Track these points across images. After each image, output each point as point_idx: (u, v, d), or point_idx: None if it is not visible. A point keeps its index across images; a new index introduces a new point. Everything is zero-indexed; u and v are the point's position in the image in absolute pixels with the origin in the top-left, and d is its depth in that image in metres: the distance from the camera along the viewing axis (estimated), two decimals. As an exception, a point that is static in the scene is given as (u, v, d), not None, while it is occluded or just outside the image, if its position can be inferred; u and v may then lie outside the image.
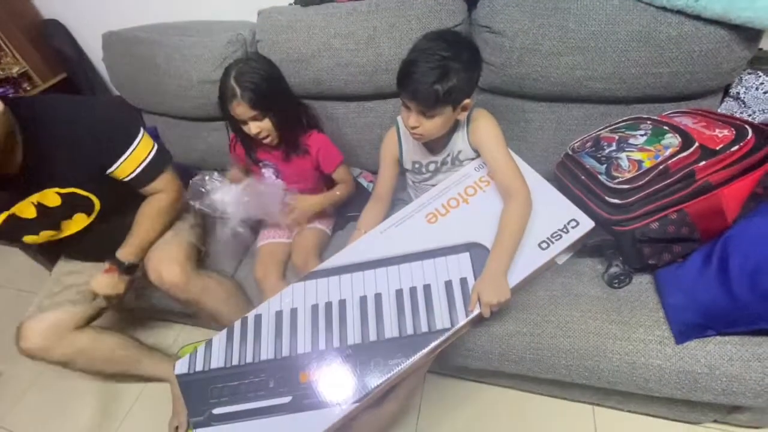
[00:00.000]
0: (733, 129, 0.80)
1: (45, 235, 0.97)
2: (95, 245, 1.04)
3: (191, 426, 0.92)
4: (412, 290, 0.82)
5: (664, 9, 0.90)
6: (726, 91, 1.04)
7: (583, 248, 0.96)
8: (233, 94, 0.92)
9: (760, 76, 1.00)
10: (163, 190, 1.02)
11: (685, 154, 0.78)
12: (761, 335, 0.77)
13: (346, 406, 0.71)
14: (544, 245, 0.84)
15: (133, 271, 1.03)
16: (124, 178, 0.96)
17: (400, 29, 1.10)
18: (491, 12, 1.03)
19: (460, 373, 1.17)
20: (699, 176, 0.78)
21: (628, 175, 0.82)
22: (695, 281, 0.80)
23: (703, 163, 0.77)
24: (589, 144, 0.95)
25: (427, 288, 0.82)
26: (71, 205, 0.94)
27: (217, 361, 0.80)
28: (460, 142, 0.96)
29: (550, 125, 1.13)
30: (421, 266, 0.84)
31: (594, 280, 0.93)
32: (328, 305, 0.83)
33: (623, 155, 0.85)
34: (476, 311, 0.78)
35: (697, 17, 0.88)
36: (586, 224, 0.86)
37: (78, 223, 0.99)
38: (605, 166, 0.87)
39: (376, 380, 0.73)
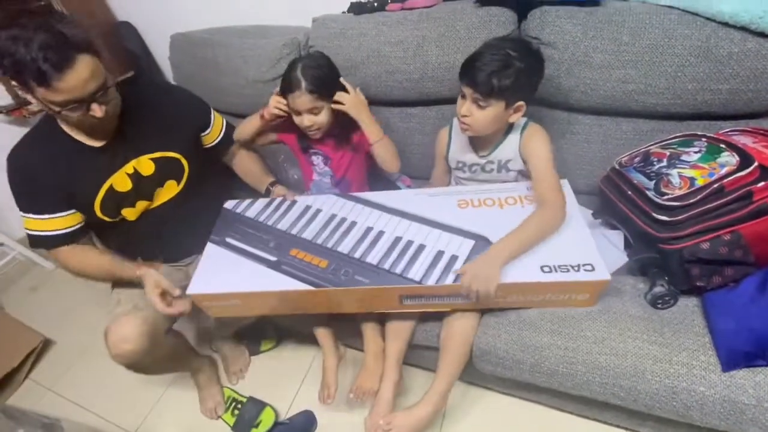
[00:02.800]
0: (797, 150, 0.76)
1: (141, 206, 1.02)
2: (179, 226, 1.08)
3: (210, 239, 1.05)
4: (408, 242, 0.94)
5: (726, 24, 0.87)
6: (791, 112, 0.99)
7: (624, 265, 0.94)
8: (297, 85, 0.96)
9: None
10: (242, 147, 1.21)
11: (743, 173, 0.75)
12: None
13: (300, 286, 0.89)
14: (546, 269, 0.83)
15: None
16: (211, 142, 1.14)
17: (448, 38, 1.12)
18: (541, 23, 1.04)
19: (488, 383, 1.16)
20: (757, 197, 0.74)
21: (679, 192, 0.80)
22: (748, 307, 0.76)
23: (762, 183, 0.74)
24: (637, 159, 0.93)
25: (420, 247, 0.92)
26: (163, 171, 1.02)
27: (251, 212, 1.10)
28: (509, 150, 0.98)
29: (597, 138, 1.11)
30: (428, 231, 0.95)
31: (635, 299, 0.90)
32: (343, 220, 1.02)
33: (674, 171, 0.83)
34: (447, 281, 0.84)
35: (762, 34, 0.85)
36: (601, 275, 0.81)
37: (169, 190, 1.05)
38: (654, 182, 0.85)
39: (334, 284, 0.88)
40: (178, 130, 1.03)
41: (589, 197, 1.13)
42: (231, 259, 0.98)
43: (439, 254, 0.90)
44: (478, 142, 1.01)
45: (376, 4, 1.24)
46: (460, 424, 1.14)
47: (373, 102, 1.28)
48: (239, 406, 1.24)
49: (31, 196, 0.92)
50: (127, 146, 0.96)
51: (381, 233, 0.97)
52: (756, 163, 0.75)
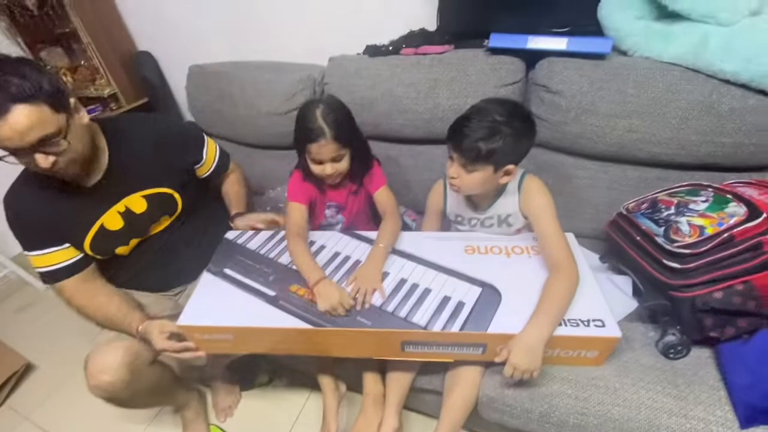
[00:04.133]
0: (804, 204, 0.77)
1: (133, 243, 1.00)
2: (170, 255, 1.05)
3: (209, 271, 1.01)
4: (414, 285, 0.91)
5: (728, 82, 0.92)
6: (792, 167, 1.02)
7: (633, 311, 0.92)
8: (321, 133, 0.90)
9: (830, 155, 0.97)
10: (233, 171, 1.21)
11: (751, 224, 0.76)
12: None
13: (298, 324, 0.85)
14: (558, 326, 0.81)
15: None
16: (206, 172, 1.12)
17: (459, 82, 1.17)
18: (549, 73, 1.09)
19: (491, 432, 1.10)
20: (767, 248, 0.75)
21: (689, 240, 0.80)
22: (763, 361, 0.74)
23: (772, 235, 0.75)
24: (645, 206, 0.94)
25: (426, 291, 0.89)
26: (156, 208, 1.00)
27: (252, 245, 1.06)
28: (509, 206, 0.96)
29: (602, 184, 1.13)
30: (434, 275, 0.93)
31: (646, 347, 0.88)
32: (346, 258, 1.00)
33: (683, 219, 0.84)
34: (454, 329, 0.81)
35: (762, 92, 0.89)
36: (612, 332, 0.78)
37: (162, 224, 1.04)
38: (663, 228, 0.85)
39: (334, 324, 0.84)
40: (169, 165, 1.01)
41: (593, 241, 1.13)
42: (227, 291, 0.93)
43: (445, 300, 0.87)
44: (475, 199, 1.00)
45: (390, 48, 1.30)
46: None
47: (384, 139, 1.33)
48: (227, 446, 1.17)
49: (28, 235, 0.92)
50: (118, 184, 0.94)
51: (385, 274, 0.94)
52: (765, 215, 0.76)
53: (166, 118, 1.14)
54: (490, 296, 0.87)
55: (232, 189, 1.19)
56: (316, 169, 0.98)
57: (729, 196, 0.84)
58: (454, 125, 0.86)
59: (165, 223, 1.04)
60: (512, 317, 0.81)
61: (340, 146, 0.94)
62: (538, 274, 0.89)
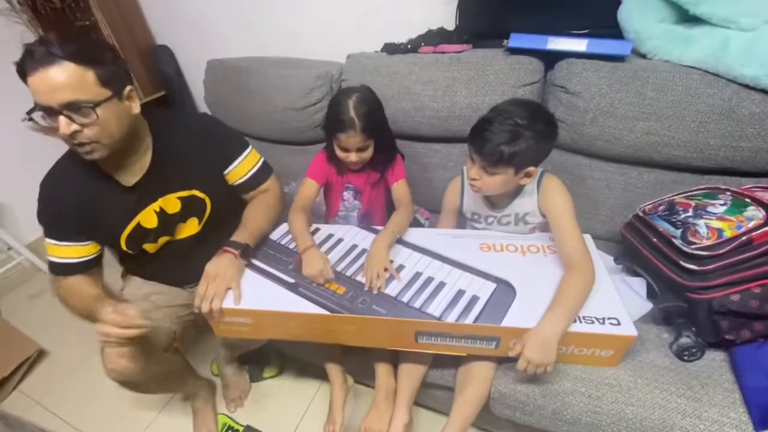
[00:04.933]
0: (823, 209, 0.77)
1: (162, 241, 1.01)
2: (197, 260, 0.98)
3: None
4: (429, 278, 0.92)
5: (748, 86, 0.92)
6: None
7: (648, 313, 0.93)
8: (351, 124, 0.95)
9: None
10: (267, 191, 1.09)
11: (770, 228, 0.76)
12: None
13: (315, 309, 0.87)
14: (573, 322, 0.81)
15: (248, 255, 0.98)
16: (235, 181, 1.05)
17: (477, 82, 1.18)
18: (568, 74, 1.09)
19: (502, 430, 1.11)
20: (786, 253, 0.75)
21: (707, 243, 0.80)
22: (780, 365, 0.74)
23: (791, 239, 0.75)
24: (662, 208, 0.94)
25: (441, 284, 0.91)
26: (187, 209, 1.00)
27: (274, 235, 1.09)
28: (527, 204, 0.98)
29: (618, 186, 1.13)
30: (449, 270, 0.94)
31: (660, 349, 0.88)
32: (363, 251, 1.02)
33: (701, 222, 0.84)
34: (467, 321, 0.82)
35: (783, 97, 0.89)
36: (628, 330, 0.78)
37: (190, 226, 1.03)
38: (681, 230, 0.86)
39: (350, 311, 0.86)
40: (205, 167, 1.00)
41: (607, 243, 1.14)
42: (249, 278, 0.96)
43: (460, 293, 0.88)
44: (493, 198, 1.01)
45: (409, 46, 1.32)
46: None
47: (401, 136, 1.33)
48: (236, 435, 1.18)
49: (54, 223, 0.92)
50: (157, 185, 0.95)
51: (401, 267, 0.95)
52: (784, 219, 0.76)
53: (212, 118, 1.08)
54: (504, 292, 0.88)
55: (252, 209, 1.05)
56: (341, 155, 1.04)
57: (747, 200, 0.84)
58: (476, 128, 0.87)
59: (192, 224, 1.04)
60: (526, 313, 0.82)
61: (366, 137, 0.98)
62: (554, 272, 0.89)
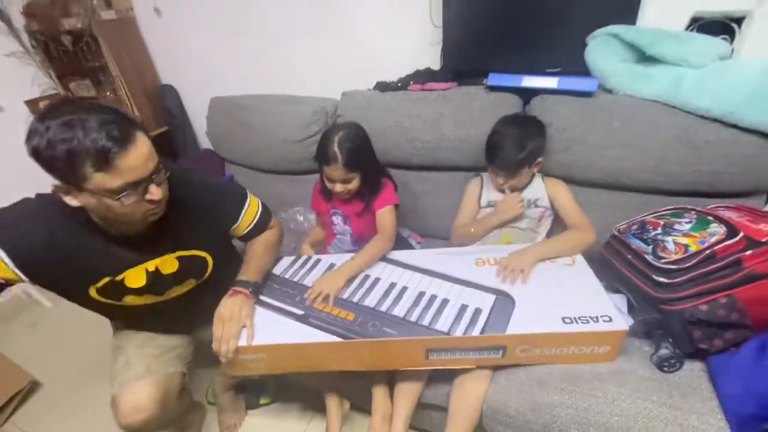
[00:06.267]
0: (777, 225, 0.85)
1: (148, 299, 0.93)
2: (192, 311, 0.99)
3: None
4: (432, 297, 0.97)
5: (702, 117, 1.02)
6: (771, 194, 1.11)
7: (630, 329, 0.97)
8: (334, 158, 1.03)
9: (802, 184, 1.06)
10: (271, 228, 1.08)
11: (731, 242, 0.83)
12: (829, 438, 0.73)
13: (328, 338, 0.89)
14: (567, 320, 0.86)
15: (258, 293, 0.99)
16: (242, 232, 1.02)
17: (462, 115, 1.29)
18: (542, 108, 1.20)
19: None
20: (746, 264, 0.81)
21: (675, 257, 0.87)
22: (751, 370, 0.79)
23: (750, 252, 0.82)
24: (635, 227, 1.02)
25: (444, 301, 0.95)
26: (186, 270, 0.93)
27: (277, 270, 1.12)
28: (537, 191, 1.17)
29: (595, 209, 1.20)
30: (450, 286, 0.99)
31: (642, 361, 0.93)
32: (366, 276, 1.05)
33: (669, 239, 0.91)
34: (474, 333, 0.86)
35: (735, 126, 0.99)
36: (620, 325, 0.85)
37: (185, 286, 0.97)
38: (651, 246, 0.93)
39: (363, 336, 0.88)
40: (210, 226, 0.96)
41: (588, 263, 1.20)
42: (259, 314, 0.96)
43: (463, 308, 0.92)
44: (510, 189, 1.18)
45: (399, 84, 1.43)
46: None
47: (393, 165, 1.42)
48: (231, 463, 1.17)
49: (21, 252, 0.76)
50: (159, 241, 0.87)
51: (405, 288, 0.99)
52: (741, 234, 0.84)
53: (209, 178, 1.02)
54: (504, 302, 0.93)
55: (255, 250, 1.04)
56: (328, 185, 1.13)
57: (710, 217, 0.92)
58: (491, 152, 1.13)
59: (188, 286, 0.98)
60: (528, 319, 0.87)
61: (348, 171, 1.06)
62: (548, 279, 0.96)
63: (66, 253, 0.78)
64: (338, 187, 1.10)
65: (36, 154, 0.65)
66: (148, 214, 0.77)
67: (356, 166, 1.07)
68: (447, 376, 1.02)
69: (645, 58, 1.12)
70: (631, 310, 0.99)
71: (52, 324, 1.88)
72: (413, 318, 0.91)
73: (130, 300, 0.91)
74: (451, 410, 0.98)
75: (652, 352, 0.93)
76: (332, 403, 1.10)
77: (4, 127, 1.98)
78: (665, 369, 0.90)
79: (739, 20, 1.10)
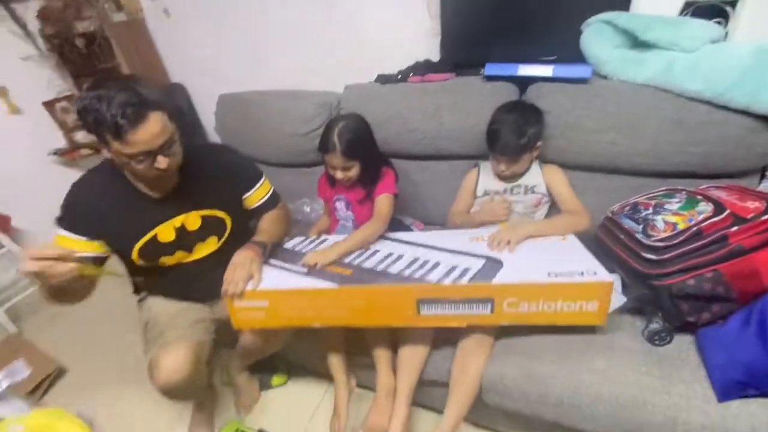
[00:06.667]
0: (763, 201, 0.88)
1: (179, 256, 1.08)
2: (218, 277, 1.04)
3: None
4: (425, 261, 1.02)
5: (694, 99, 1.05)
6: (763, 174, 1.13)
7: (623, 305, 1.02)
8: (333, 147, 1.11)
9: (795, 163, 1.09)
10: (279, 209, 1.22)
11: (717, 219, 0.86)
12: (809, 402, 0.77)
13: (325, 285, 0.96)
14: (553, 274, 0.90)
15: (266, 254, 1.09)
16: (252, 205, 1.16)
17: (461, 106, 1.33)
18: (538, 96, 1.24)
19: (497, 425, 1.17)
20: (732, 240, 0.85)
21: (663, 235, 0.91)
22: (736, 340, 0.83)
23: (735, 228, 0.85)
24: (627, 208, 1.05)
25: (436, 263, 1.00)
26: (208, 228, 1.08)
27: (289, 245, 1.21)
28: (535, 177, 1.22)
29: (591, 192, 1.24)
30: (443, 254, 1.04)
31: (634, 336, 0.97)
32: (367, 248, 1.12)
33: (659, 218, 0.95)
34: (459, 281, 0.91)
35: (725, 107, 1.02)
36: (605, 277, 0.88)
37: (209, 245, 1.11)
38: (642, 226, 0.96)
39: (357, 282, 0.96)
40: (226, 190, 1.11)
41: (585, 244, 1.24)
42: (266, 271, 1.04)
43: (453, 268, 0.96)
44: (508, 176, 1.22)
45: (399, 77, 1.47)
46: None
47: (394, 155, 1.47)
48: (248, 438, 1.25)
49: (74, 217, 0.97)
50: (181, 201, 1.03)
51: (401, 256, 1.06)
52: (728, 211, 0.87)
53: (233, 152, 1.20)
54: (492, 264, 0.97)
55: (266, 221, 1.19)
56: (330, 171, 1.20)
57: (699, 197, 0.96)
58: (492, 139, 1.17)
59: (211, 243, 1.11)
60: (516, 273, 0.92)
61: (347, 159, 1.12)
62: (537, 248, 1.01)
63: (117, 211, 0.98)
64: (339, 174, 1.16)
65: (78, 114, 0.84)
66: (159, 176, 0.92)
67: (355, 156, 1.13)
68: (448, 354, 1.07)
69: (638, 43, 1.14)
70: (625, 289, 1.04)
71: (73, 316, 1.97)
72: (405, 274, 0.97)
73: (164, 260, 1.07)
74: (452, 384, 1.04)
75: (643, 327, 0.97)
76: (339, 377, 1.17)
77: (25, 129, 2.07)
78: (656, 342, 0.94)
79: (733, 3, 1.12)
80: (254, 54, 1.90)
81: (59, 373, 1.65)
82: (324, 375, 1.30)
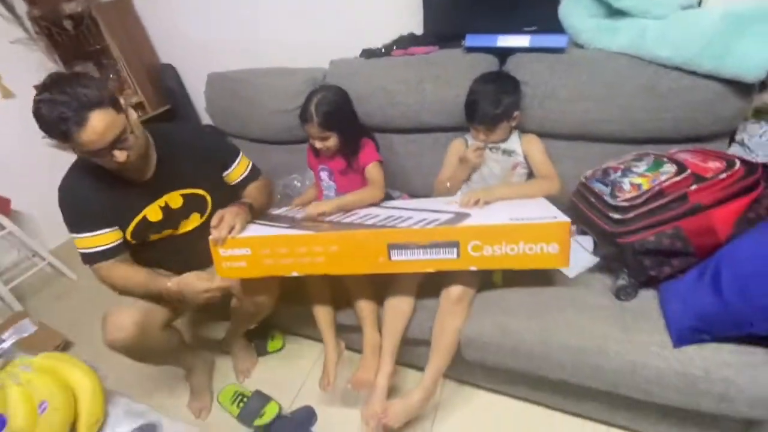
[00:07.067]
0: (724, 161, 0.93)
1: (166, 233, 1.15)
2: (199, 251, 1.11)
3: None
4: (400, 216, 1.07)
5: (665, 66, 1.08)
6: (732, 138, 1.17)
7: (594, 266, 1.08)
8: (310, 117, 1.16)
9: (763, 126, 1.13)
10: (261, 180, 1.28)
11: (678, 178, 0.91)
12: (753, 345, 0.83)
13: (303, 232, 1.03)
14: (514, 219, 0.95)
15: (251, 213, 1.13)
16: (234, 180, 1.22)
17: (442, 78, 1.35)
18: (517, 66, 1.27)
19: (477, 381, 1.25)
20: (691, 198, 0.90)
21: (629, 195, 0.96)
22: (692, 291, 0.89)
23: (695, 187, 0.90)
24: (599, 173, 1.10)
25: (409, 217, 1.05)
26: (190, 205, 1.14)
27: (275, 211, 1.28)
28: (513, 145, 1.24)
29: (570, 161, 1.28)
30: (416, 213, 1.08)
31: (603, 293, 1.03)
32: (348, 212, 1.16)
33: (626, 180, 1.00)
34: (427, 224, 0.98)
35: (694, 73, 1.05)
36: (562, 218, 0.93)
37: (192, 221, 1.17)
38: (610, 188, 1.01)
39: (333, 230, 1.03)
40: (205, 169, 1.15)
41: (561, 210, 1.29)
42: (251, 227, 1.10)
43: (423, 219, 1.01)
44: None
45: (383, 51, 1.50)
46: (451, 417, 1.22)
47: (379, 129, 1.50)
48: (245, 399, 1.33)
49: (77, 219, 1.03)
50: (163, 182, 1.08)
51: (377, 215, 1.11)
52: (689, 171, 0.92)
53: (207, 131, 1.28)
54: (460, 215, 1.01)
55: (250, 189, 1.26)
56: (311, 141, 1.26)
57: (665, 159, 1.00)
58: (469, 109, 1.22)
59: (194, 219, 1.17)
60: (478, 220, 0.97)
61: (323, 130, 1.17)
62: (505, 205, 1.06)
63: (110, 198, 1.03)
64: (318, 144, 1.22)
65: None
66: (123, 168, 0.96)
67: (331, 126, 1.18)
68: (431, 313, 1.14)
69: (613, 12, 1.17)
70: (595, 249, 1.09)
71: (77, 295, 2.05)
72: (379, 223, 1.03)
73: (154, 236, 1.14)
74: (434, 342, 1.11)
75: (612, 284, 1.03)
76: (328, 341, 1.24)
77: (19, 113, 2.10)
78: (622, 297, 1.00)
79: (707, -31, 1.13)
80: (242, 31, 1.91)
81: (65, 346, 1.73)
82: (317, 339, 1.37)
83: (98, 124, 0.85)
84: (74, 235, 1.05)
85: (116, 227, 1.07)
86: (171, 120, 2.25)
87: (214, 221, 1.03)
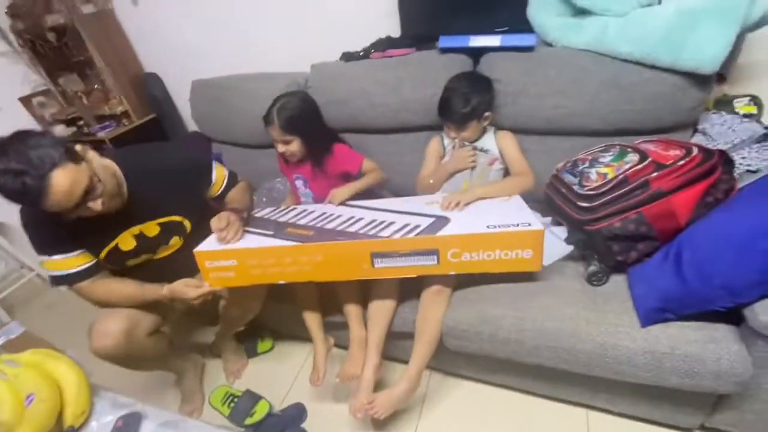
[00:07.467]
0: (683, 149, 0.98)
1: (144, 258, 1.13)
2: (180, 270, 1.11)
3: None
4: (382, 221, 1.10)
5: (627, 61, 1.13)
6: (695, 127, 1.23)
7: (567, 254, 1.12)
8: (271, 120, 1.21)
9: (722, 116, 1.18)
10: (240, 181, 1.29)
11: (640, 166, 0.96)
12: (716, 321, 0.88)
13: (287, 243, 1.05)
14: (491, 227, 0.97)
15: (245, 218, 1.16)
16: (217, 192, 1.22)
17: (420, 78, 1.40)
18: (490, 66, 1.32)
19: (461, 371, 1.28)
20: (653, 185, 0.95)
21: (595, 185, 1.00)
22: (656, 273, 0.93)
23: (656, 174, 0.95)
24: (569, 165, 1.15)
25: (390, 223, 1.08)
26: (167, 233, 1.12)
27: (258, 214, 1.29)
28: (488, 143, 1.29)
29: (543, 155, 1.33)
30: (397, 216, 1.12)
31: (575, 278, 1.07)
32: (330, 214, 1.19)
33: (593, 170, 1.04)
34: (408, 234, 1.00)
35: (653, 66, 1.11)
36: (537, 226, 0.95)
37: (173, 246, 1.17)
38: (578, 178, 1.06)
39: (317, 241, 1.05)
40: (179, 196, 1.11)
41: (535, 204, 1.32)
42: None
43: (405, 226, 1.04)
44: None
45: (362, 54, 1.54)
46: (437, 408, 1.25)
47: (360, 130, 1.54)
48: (235, 399, 1.35)
49: (45, 240, 0.99)
50: (137, 213, 1.05)
51: (360, 219, 1.13)
52: (650, 159, 0.97)
53: (174, 149, 1.21)
54: (440, 221, 1.04)
55: (234, 195, 1.25)
56: (275, 145, 1.28)
57: (630, 149, 1.05)
58: (442, 107, 1.26)
59: (176, 244, 1.16)
60: (457, 229, 1.00)
61: (284, 133, 1.21)
62: (483, 208, 1.09)
63: (74, 228, 0.95)
64: (280, 147, 1.25)
65: None
66: (107, 211, 0.94)
67: (293, 130, 1.21)
68: (413, 307, 1.17)
69: (577, 11, 1.22)
70: (567, 237, 1.14)
71: (66, 305, 2.05)
72: (362, 232, 1.05)
73: (131, 263, 1.12)
74: (416, 333, 1.14)
75: (584, 270, 1.07)
76: (317, 335, 1.27)
77: (4, 125, 2.09)
78: (594, 283, 1.04)
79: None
80: (224, 38, 1.95)
81: (56, 355, 1.73)
82: (306, 340, 1.39)
83: (63, 183, 0.81)
84: (44, 257, 1.00)
85: (82, 250, 1.03)
86: (157, 128, 2.27)
87: (219, 223, 1.05)
